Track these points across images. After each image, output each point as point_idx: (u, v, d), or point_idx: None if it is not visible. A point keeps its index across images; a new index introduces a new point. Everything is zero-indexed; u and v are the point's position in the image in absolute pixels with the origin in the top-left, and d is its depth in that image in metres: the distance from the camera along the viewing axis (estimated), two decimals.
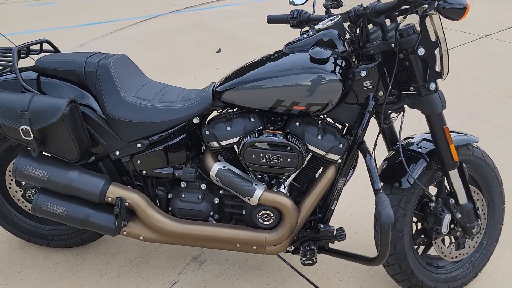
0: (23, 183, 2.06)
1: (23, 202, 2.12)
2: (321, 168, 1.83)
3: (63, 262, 2.16)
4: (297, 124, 1.73)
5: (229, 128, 1.76)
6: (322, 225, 1.86)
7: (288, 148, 1.68)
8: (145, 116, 1.78)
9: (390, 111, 1.79)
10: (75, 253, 2.22)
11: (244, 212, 1.88)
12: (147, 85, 1.94)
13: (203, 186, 1.90)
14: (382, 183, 1.85)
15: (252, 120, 1.76)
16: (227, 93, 1.74)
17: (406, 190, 1.78)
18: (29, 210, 2.13)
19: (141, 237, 1.88)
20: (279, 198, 1.77)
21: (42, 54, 1.95)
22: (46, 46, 1.96)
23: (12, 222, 2.14)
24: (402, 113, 1.78)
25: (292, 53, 1.70)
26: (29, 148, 1.79)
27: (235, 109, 1.85)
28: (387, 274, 2.10)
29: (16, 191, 2.09)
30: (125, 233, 1.88)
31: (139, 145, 1.82)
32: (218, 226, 1.85)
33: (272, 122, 1.81)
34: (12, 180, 2.06)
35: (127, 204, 1.81)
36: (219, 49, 5.26)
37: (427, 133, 1.92)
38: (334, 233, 1.75)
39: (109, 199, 1.81)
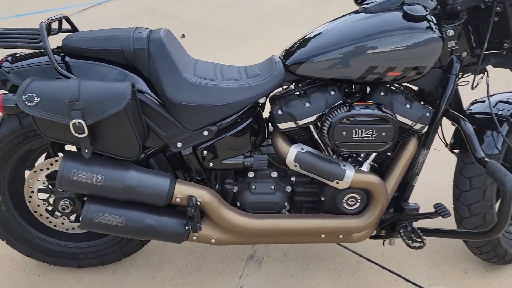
0: (47, 195, 1.69)
1: (47, 217, 1.73)
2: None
3: (101, 284, 1.81)
4: (382, 93, 1.56)
5: (307, 104, 1.55)
6: (405, 204, 1.72)
7: (383, 120, 1.51)
8: (214, 97, 1.50)
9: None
10: (112, 270, 1.88)
11: (323, 199, 1.67)
12: (197, 63, 1.65)
13: (274, 174, 1.67)
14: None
15: (332, 93, 1.56)
16: (305, 65, 1.52)
17: (494, 156, 1.69)
18: (54, 226, 1.75)
19: (213, 240, 1.61)
20: (371, 177, 1.59)
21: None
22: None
23: (32, 244, 1.74)
24: (486, 73, 1.68)
25: (375, 13, 1.52)
26: (69, 149, 1.44)
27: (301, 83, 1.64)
28: (451, 247, 2.03)
29: (38, 205, 1.70)
30: (194, 237, 1.59)
31: (206, 133, 1.54)
32: (301, 218, 1.63)
33: (347, 95, 1.63)
34: (32, 192, 1.67)
35: (198, 203, 1.53)
36: (183, 34, 4.92)
37: (496, 95, 1.84)
38: (436, 210, 1.61)
39: (178, 199, 1.52)
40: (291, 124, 1.56)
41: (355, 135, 1.51)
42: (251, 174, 1.66)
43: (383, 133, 1.52)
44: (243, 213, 1.61)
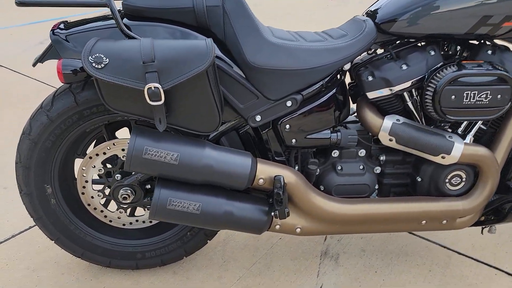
0: (103, 186, 1.47)
1: (101, 211, 1.52)
2: None
3: (162, 287, 1.58)
4: (489, 52, 1.34)
5: (404, 67, 1.33)
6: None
7: (499, 81, 1.29)
8: (300, 60, 1.29)
9: None
10: (172, 272, 1.65)
11: (419, 179, 1.45)
12: (270, 27, 1.44)
13: (362, 153, 1.45)
14: None
15: (432, 53, 1.34)
16: (400, 22, 1.31)
17: None
18: (110, 221, 1.53)
19: (298, 230, 1.38)
20: (481, 150, 1.37)
21: None
22: None
23: (85, 244, 1.52)
24: None
25: None
26: (136, 123, 1.23)
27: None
28: None
29: (92, 197, 1.48)
30: (277, 226, 1.37)
31: (289, 104, 1.33)
32: (402, 202, 1.40)
33: (444, 57, 1.41)
34: (86, 182, 1.46)
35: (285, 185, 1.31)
36: None
37: None
38: None
39: (261, 181, 1.30)
40: (384, 92, 1.35)
41: (466, 99, 1.29)
42: (335, 153, 1.44)
43: (499, 96, 1.29)
44: (334, 197, 1.38)
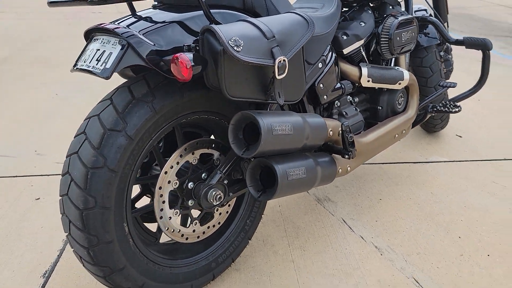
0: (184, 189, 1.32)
1: (179, 231, 1.33)
2: None
3: (255, 284, 1.53)
4: (391, 7, 1.94)
5: (363, 24, 1.78)
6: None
7: (410, 23, 1.88)
8: (323, 26, 1.54)
9: None
10: (235, 269, 1.59)
11: (380, 108, 1.93)
12: None
13: (349, 98, 1.82)
14: None
15: (369, 12, 1.84)
16: None
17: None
18: (186, 239, 1.37)
19: (349, 168, 1.63)
20: (412, 74, 1.96)
21: None
22: None
23: (167, 277, 1.32)
24: None
25: None
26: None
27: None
28: None
29: (170, 218, 1.28)
30: (340, 170, 1.58)
31: (320, 65, 1.55)
32: (388, 123, 1.85)
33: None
34: (163, 203, 1.25)
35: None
36: None
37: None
38: (442, 85, 2.11)
39: (331, 132, 1.49)
40: (356, 45, 1.75)
41: (404, 38, 1.84)
42: (337, 104, 1.75)
43: (413, 33, 1.90)
44: (361, 134, 1.71)
